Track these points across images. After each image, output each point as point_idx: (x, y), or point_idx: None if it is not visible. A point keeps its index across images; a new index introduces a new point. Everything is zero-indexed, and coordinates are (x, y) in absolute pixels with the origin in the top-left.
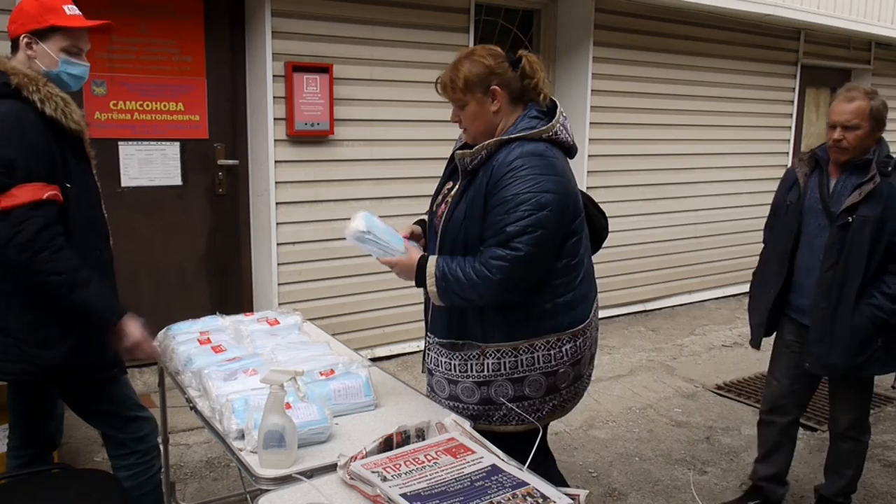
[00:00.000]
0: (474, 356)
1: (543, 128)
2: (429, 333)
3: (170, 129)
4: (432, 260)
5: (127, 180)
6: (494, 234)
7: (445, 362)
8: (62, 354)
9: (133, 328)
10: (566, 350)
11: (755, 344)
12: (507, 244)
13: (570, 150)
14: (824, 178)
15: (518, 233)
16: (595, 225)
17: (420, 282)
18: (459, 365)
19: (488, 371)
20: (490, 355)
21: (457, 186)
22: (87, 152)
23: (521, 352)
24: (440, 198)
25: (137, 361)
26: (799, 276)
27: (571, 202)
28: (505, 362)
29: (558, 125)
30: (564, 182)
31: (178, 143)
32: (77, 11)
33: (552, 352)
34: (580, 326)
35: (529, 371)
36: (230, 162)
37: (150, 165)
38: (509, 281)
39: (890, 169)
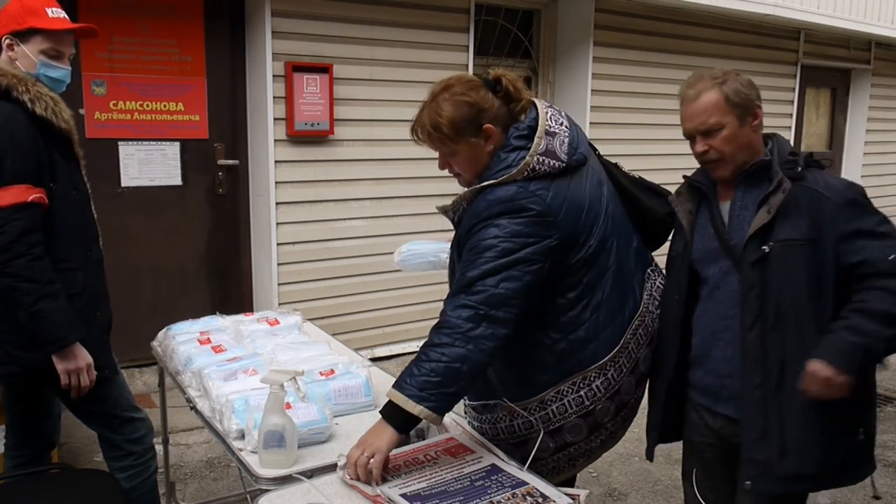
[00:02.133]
0: (502, 419)
1: (516, 171)
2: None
3: (170, 129)
4: (394, 393)
5: (127, 180)
6: (457, 282)
7: (477, 426)
8: (48, 355)
9: (85, 353)
10: (597, 386)
11: (648, 456)
12: (468, 288)
13: (566, 171)
14: (715, 209)
15: (479, 276)
16: (648, 217)
17: (405, 421)
18: (490, 429)
19: (521, 431)
20: (518, 415)
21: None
22: (77, 152)
23: (548, 402)
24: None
25: (137, 361)
26: (700, 345)
27: (562, 240)
28: (535, 419)
29: (535, 158)
30: (540, 223)
31: (178, 143)
32: (61, 14)
33: (582, 392)
34: (606, 358)
35: (564, 419)
36: (230, 162)
37: (150, 165)
38: (482, 322)
39: (800, 169)
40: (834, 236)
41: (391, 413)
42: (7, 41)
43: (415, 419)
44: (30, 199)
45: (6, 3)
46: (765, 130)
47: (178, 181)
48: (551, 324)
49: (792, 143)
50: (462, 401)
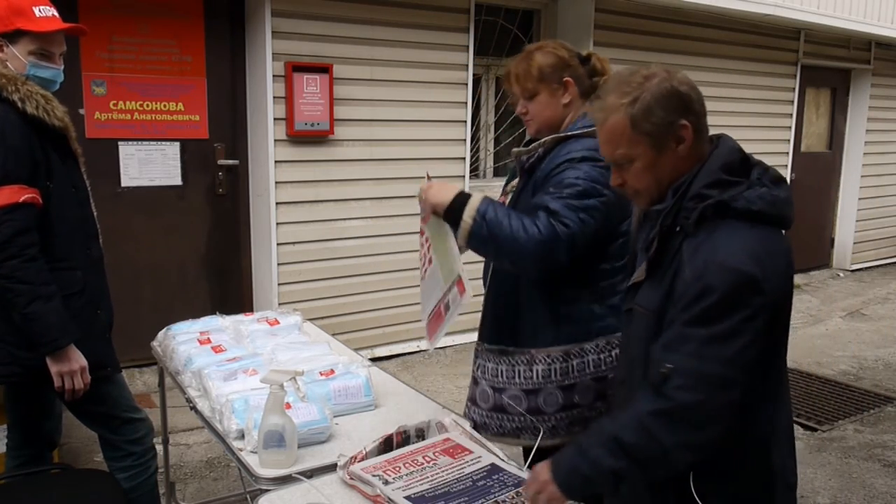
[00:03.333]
0: (523, 361)
1: None
2: (478, 341)
3: (170, 129)
4: (479, 196)
5: (127, 180)
6: (541, 208)
7: (492, 367)
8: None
9: (80, 356)
10: (616, 355)
11: None
12: (554, 214)
13: None
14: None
15: (564, 208)
16: None
17: (455, 212)
18: (507, 370)
19: (537, 378)
20: (540, 361)
21: (517, 184)
22: (74, 150)
23: (571, 356)
24: (501, 196)
25: (137, 361)
26: None
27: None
28: (555, 368)
29: None
30: None
31: (178, 143)
32: (50, 13)
33: (602, 356)
34: None
35: (580, 377)
36: (230, 162)
37: (150, 165)
38: (552, 246)
39: (691, 221)
40: (670, 320)
41: (454, 197)
42: None
43: (457, 214)
44: (21, 199)
45: None
46: (764, 131)
47: (178, 181)
48: (591, 285)
49: (792, 143)
50: (478, 346)
